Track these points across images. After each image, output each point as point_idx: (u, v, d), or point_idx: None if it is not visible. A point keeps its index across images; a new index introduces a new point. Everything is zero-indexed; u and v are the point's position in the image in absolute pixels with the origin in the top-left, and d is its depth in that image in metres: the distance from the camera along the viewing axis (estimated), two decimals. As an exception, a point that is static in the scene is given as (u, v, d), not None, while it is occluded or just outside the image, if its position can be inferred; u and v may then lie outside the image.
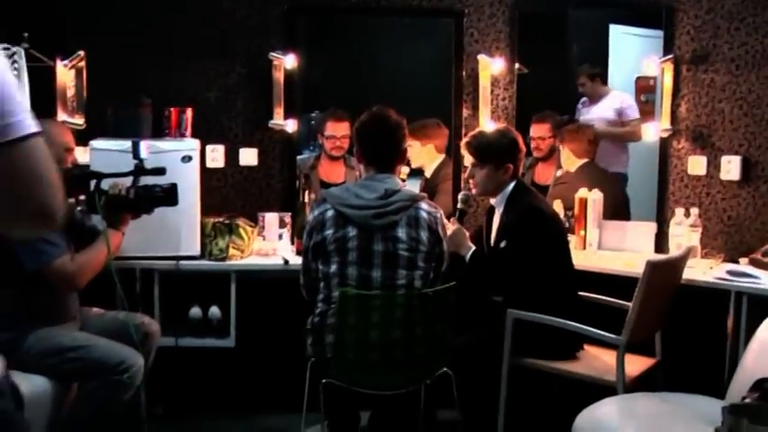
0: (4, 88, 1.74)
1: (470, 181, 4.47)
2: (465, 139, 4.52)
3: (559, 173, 5.55)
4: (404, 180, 4.86)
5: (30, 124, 1.74)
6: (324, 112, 5.65)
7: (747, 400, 3.16)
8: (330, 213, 3.82)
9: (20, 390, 2.84)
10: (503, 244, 4.26)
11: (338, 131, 5.46)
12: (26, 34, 5.00)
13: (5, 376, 2.50)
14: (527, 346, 4.21)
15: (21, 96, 1.76)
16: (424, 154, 5.59)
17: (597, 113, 5.69)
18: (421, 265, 3.83)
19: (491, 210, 4.52)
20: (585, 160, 5.42)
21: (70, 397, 3.94)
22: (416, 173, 5.57)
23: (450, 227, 4.40)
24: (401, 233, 3.79)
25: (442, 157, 5.62)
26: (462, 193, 4.63)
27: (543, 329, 4.10)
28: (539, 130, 5.59)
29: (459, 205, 4.59)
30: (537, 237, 4.22)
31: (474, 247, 4.35)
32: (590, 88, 5.79)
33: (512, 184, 4.37)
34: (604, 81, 5.77)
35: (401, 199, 3.83)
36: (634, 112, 5.62)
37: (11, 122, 1.72)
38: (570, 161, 5.42)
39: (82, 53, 5.07)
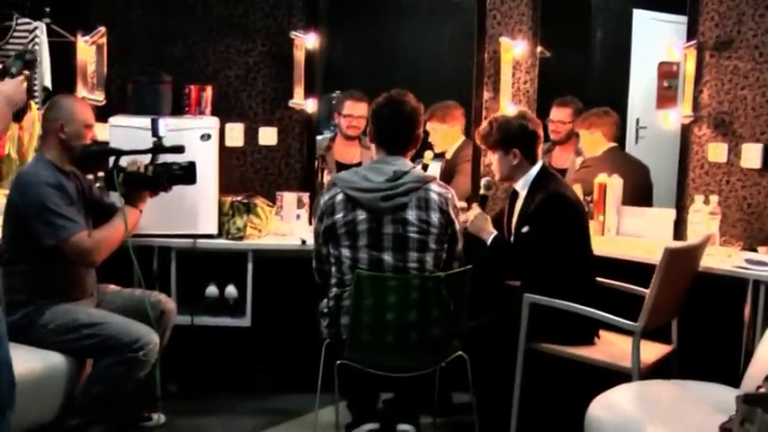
0: None
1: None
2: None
3: (580, 159, 5.52)
4: (427, 165, 4.84)
5: None
6: (344, 92, 5.63)
7: (762, 390, 3.15)
8: (340, 197, 3.82)
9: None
10: (525, 229, 4.24)
11: (356, 111, 5.47)
12: (48, 9, 5.01)
13: None
14: (543, 330, 4.19)
15: None
16: (450, 136, 5.57)
17: None
18: (432, 247, 3.82)
19: (514, 194, 4.49)
20: (612, 144, 5.40)
21: (85, 373, 3.96)
22: (437, 155, 5.56)
23: (473, 211, 4.40)
24: (411, 215, 3.79)
25: (462, 138, 5.61)
26: (485, 178, 4.65)
27: (559, 314, 4.08)
28: (559, 114, 5.58)
29: (481, 191, 4.59)
30: (559, 223, 4.19)
31: (495, 232, 4.33)
32: None
33: (535, 169, 4.35)
34: None
35: (410, 180, 3.82)
36: None
37: None
38: (598, 145, 5.39)
39: (103, 29, 5.07)
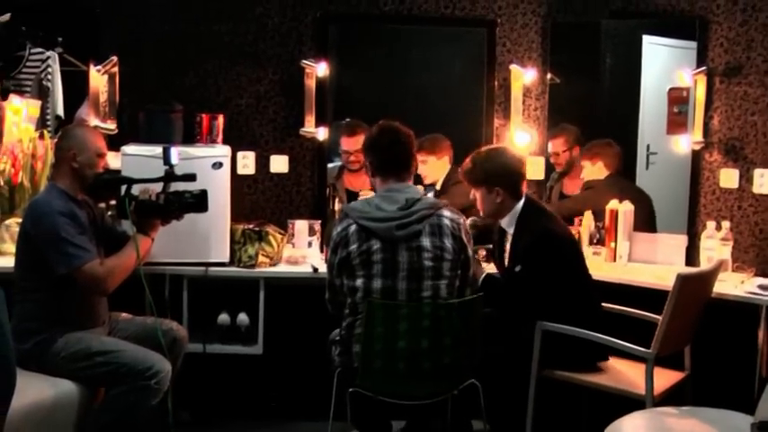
0: None
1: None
2: None
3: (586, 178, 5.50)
4: None
5: None
6: (343, 123, 5.63)
7: (777, 417, 3.12)
8: (353, 228, 3.79)
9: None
10: (517, 268, 4.22)
11: (351, 146, 5.44)
12: (60, 39, 5.04)
13: None
14: (551, 357, 4.19)
15: None
16: (440, 167, 5.52)
17: None
18: (446, 275, 3.80)
19: (501, 231, 4.45)
20: (613, 171, 5.40)
21: (97, 401, 3.96)
22: (428, 187, 5.53)
23: None
24: (425, 242, 3.77)
25: (449, 167, 5.55)
26: (471, 218, 4.60)
27: (567, 340, 4.08)
28: (554, 146, 5.61)
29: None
30: (551, 261, 4.16)
31: (486, 272, 4.33)
32: None
33: (520, 205, 4.31)
34: None
35: (423, 207, 3.81)
36: None
37: None
38: (600, 174, 5.38)
39: (115, 58, 5.10)
